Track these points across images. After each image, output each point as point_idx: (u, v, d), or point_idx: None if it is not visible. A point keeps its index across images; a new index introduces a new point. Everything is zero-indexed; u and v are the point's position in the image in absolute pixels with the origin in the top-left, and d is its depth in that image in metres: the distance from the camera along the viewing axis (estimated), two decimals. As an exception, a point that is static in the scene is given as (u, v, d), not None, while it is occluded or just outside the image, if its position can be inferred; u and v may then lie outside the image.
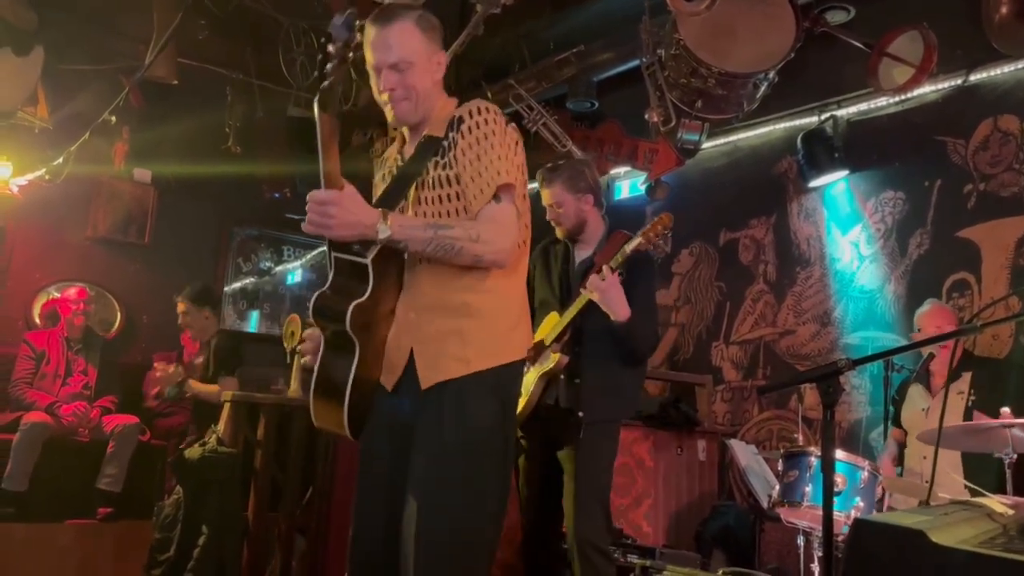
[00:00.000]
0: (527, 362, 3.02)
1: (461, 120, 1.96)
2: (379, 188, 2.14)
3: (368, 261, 1.87)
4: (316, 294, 1.95)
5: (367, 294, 1.88)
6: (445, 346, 1.95)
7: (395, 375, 2.00)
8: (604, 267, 2.88)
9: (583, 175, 3.10)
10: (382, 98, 2.00)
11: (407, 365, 1.98)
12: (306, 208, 1.80)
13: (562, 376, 2.97)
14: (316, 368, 1.99)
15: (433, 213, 1.98)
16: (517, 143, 2.01)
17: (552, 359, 2.95)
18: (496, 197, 1.93)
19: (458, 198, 1.96)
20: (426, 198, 1.99)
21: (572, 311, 2.95)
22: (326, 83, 1.80)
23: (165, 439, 5.17)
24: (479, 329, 1.97)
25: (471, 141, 1.94)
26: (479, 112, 1.97)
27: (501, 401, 1.99)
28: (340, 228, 1.80)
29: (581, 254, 3.14)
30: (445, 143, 1.97)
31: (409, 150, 2.07)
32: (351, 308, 1.86)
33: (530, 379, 2.99)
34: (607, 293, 2.86)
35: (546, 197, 3.09)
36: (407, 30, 1.95)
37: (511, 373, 2.04)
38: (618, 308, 2.87)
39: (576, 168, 3.14)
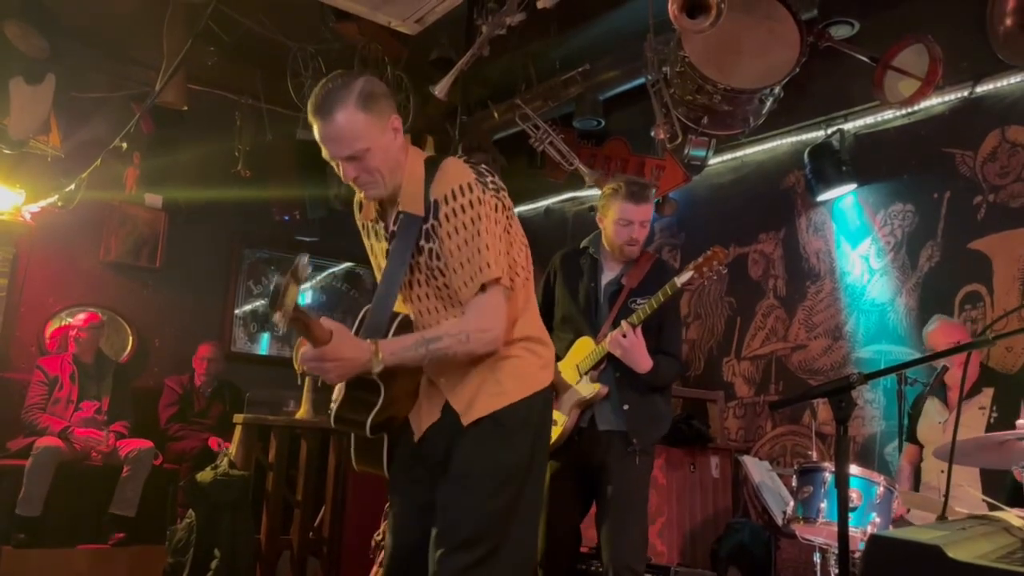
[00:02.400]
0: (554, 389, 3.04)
1: (437, 205, 1.94)
2: (373, 253, 2.19)
3: (375, 376, 1.94)
4: (335, 409, 2.05)
5: (379, 404, 1.97)
6: (480, 387, 2.02)
7: (425, 425, 2.08)
8: (625, 324, 2.87)
9: None
10: (347, 183, 2.01)
11: (440, 419, 2.05)
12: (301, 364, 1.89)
13: (601, 401, 2.96)
14: (354, 439, 2.16)
15: (427, 306, 2.05)
16: (498, 207, 1.97)
17: (591, 389, 2.93)
18: (483, 287, 1.94)
19: (447, 287, 2.00)
20: (419, 294, 2.06)
21: (608, 345, 2.93)
22: (284, 322, 1.73)
23: (177, 463, 5.18)
24: (509, 366, 2.04)
25: (451, 230, 1.93)
26: (454, 196, 1.92)
27: (536, 428, 2.05)
28: (339, 377, 1.89)
29: (608, 275, 3.10)
30: (427, 227, 1.97)
31: (389, 220, 2.08)
32: (369, 423, 1.98)
33: (565, 406, 2.96)
34: (629, 351, 2.86)
35: (638, 214, 2.98)
36: (350, 118, 1.88)
37: (543, 399, 2.09)
38: (639, 363, 2.88)
39: None
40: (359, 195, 2.13)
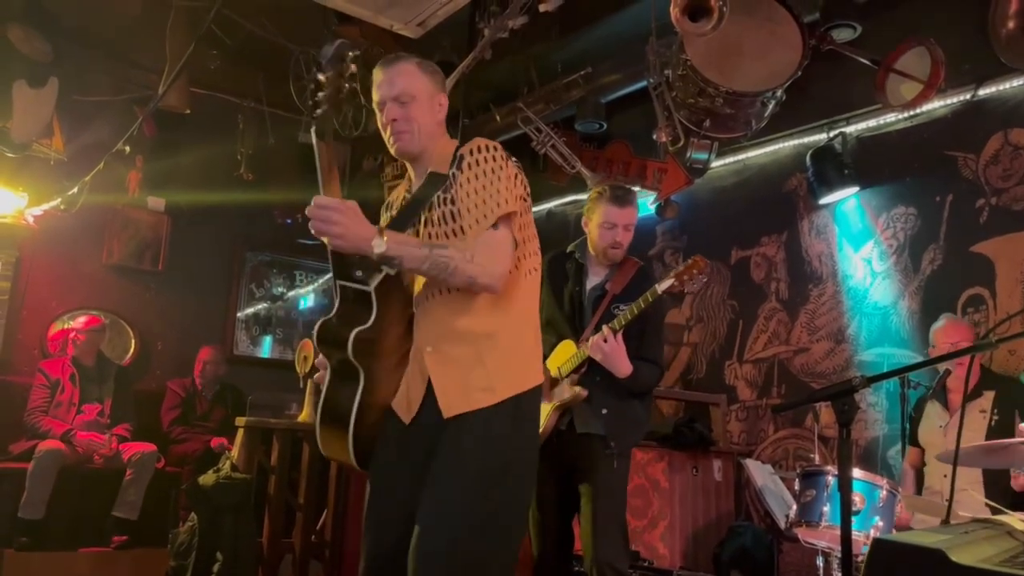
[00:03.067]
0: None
1: (462, 157, 2.03)
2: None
3: (371, 289, 1.91)
4: (320, 321, 1.99)
5: (370, 322, 1.91)
6: (467, 376, 1.97)
7: (413, 408, 2.03)
8: (606, 329, 2.89)
9: None
10: (385, 133, 2.09)
11: (425, 397, 2.00)
12: (307, 212, 1.83)
13: (580, 404, 2.97)
14: (322, 396, 2.01)
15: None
16: (518, 176, 2.05)
17: (571, 392, 2.95)
18: (494, 225, 1.96)
19: (462, 231, 2.00)
20: (431, 233, 2.05)
21: (586, 352, 2.95)
22: (320, 111, 1.88)
23: (179, 466, 5.18)
24: (499, 356, 2.00)
25: (471, 176, 1.99)
26: (480, 150, 2.02)
27: (524, 428, 2.02)
28: (340, 236, 1.83)
29: (592, 279, 3.13)
30: (448, 177, 2.04)
31: (416, 186, 2.13)
32: (352, 335, 1.89)
33: (545, 410, 2.98)
34: (609, 356, 2.88)
35: (622, 217, 3.02)
36: (409, 69, 2.06)
37: (532, 398, 2.06)
38: (619, 368, 2.91)
39: None
40: (385, 193, 2.18)
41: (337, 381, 1.99)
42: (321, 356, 2.09)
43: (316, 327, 1.98)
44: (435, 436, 1.97)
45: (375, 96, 2.08)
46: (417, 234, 2.07)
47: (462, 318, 2.00)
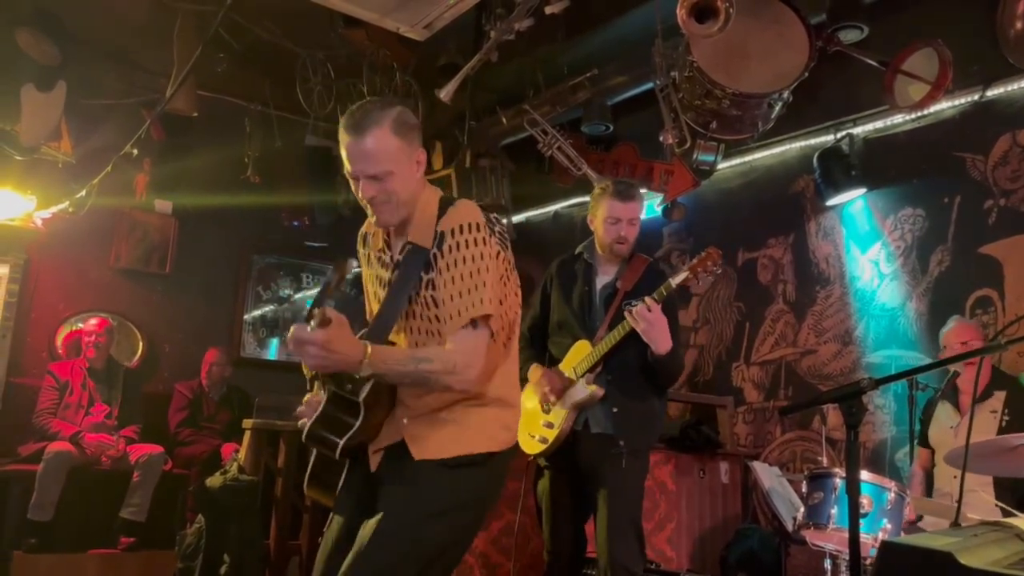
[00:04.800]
0: (544, 403, 3.05)
1: (443, 237, 1.96)
2: (369, 288, 2.20)
3: (360, 401, 1.94)
4: (309, 424, 2.03)
5: (356, 427, 1.96)
6: (441, 430, 1.99)
7: (383, 446, 2.04)
8: (648, 299, 2.85)
9: None
10: (363, 203, 2.02)
11: (396, 447, 2.02)
12: (287, 343, 1.89)
13: (596, 404, 2.96)
14: (313, 457, 2.13)
15: (419, 339, 2.04)
16: (499, 255, 2.01)
17: (587, 391, 2.94)
18: (473, 323, 1.94)
19: (438, 320, 1.99)
20: (413, 326, 2.04)
21: (609, 343, 2.94)
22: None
23: (187, 468, 5.19)
24: (477, 418, 2.02)
25: (452, 261, 1.94)
26: (461, 231, 1.95)
27: (484, 490, 2.04)
28: (323, 368, 1.89)
29: (603, 278, 3.12)
30: (430, 256, 1.98)
31: (395, 251, 2.09)
32: (341, 444, 1.96)
33: (562, 409, 2.98)
34: (653, 326, 2.84)
35: (626, 211, 3.02)
36: (382, 139, 1.92)
37: (503, 459, 2.07)
38: (662, 341, 2.87)
39: None
40: (365, 226, 2.17)
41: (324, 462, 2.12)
42: (309, 396, 2.14)
43: (306, 429, 2.03)
44: (395, 473, 2.00)
45: (346, 164, 1.98)
46: (405, 315, 2.05)
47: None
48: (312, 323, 1.77)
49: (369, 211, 2.03)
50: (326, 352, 1.79)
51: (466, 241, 1.94)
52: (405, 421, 2.01)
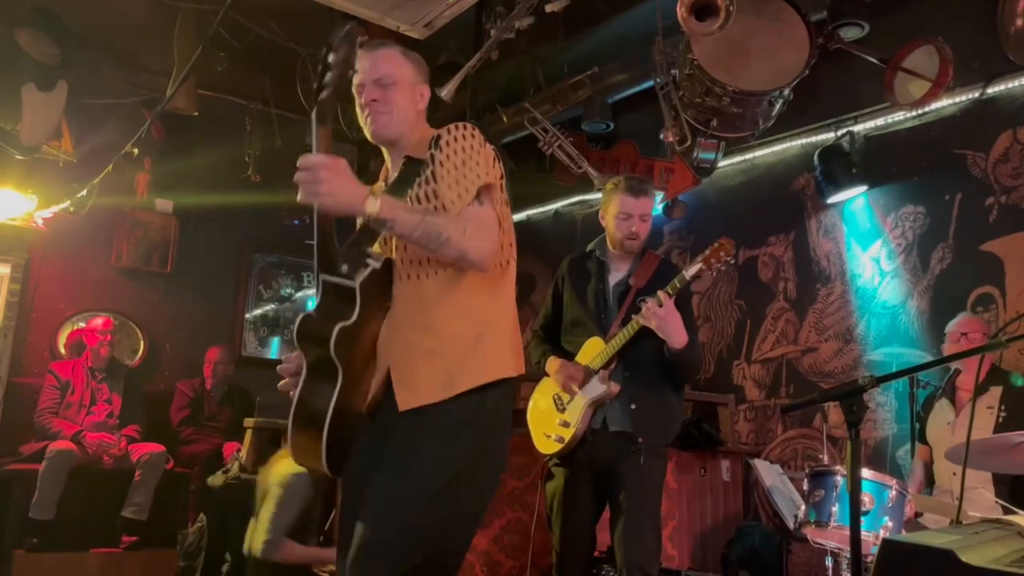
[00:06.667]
0: (564, 388, 3.01)
1: (439, 137, 1.95)
2: None
3: (356, 285, 1.82)
4: (301, 316, 1.89)
5: (353, 318, 1.82)
6: (426, 367, 1.89)
7: (374, 398, 1.95)
8: (660, 293, 2.82)
9: None
10: (362, 115, 2.03)
11: (387, 391, 1.93)
12: (295, 177, 1.74)
13: (610, 402, 2.94)
14: (296, 397, 1.90)
15: (413, 250, 1.96)
16: (496, 160, 2.00)
17: (602, 387, 2.92)
18: (478, 199, 1.90)
19: (444, 208, 1.91)
20: None
21: (622, 339, 2.91)
22: (324, 94, 1.81)
23: (188, 467, 5.20)
24: (465, 348, 1.91)
25: (450, 152, 1.92)
26: (457, 128, 1.96)
27: (484, 427, 1.91)
28: (330, 195, 1.74)
29: (615, 275, 3.10)
30: (425, 159, 1.97)
31: (393, 175, 2.07)
32: (336, 330, 1.79)
33: (577, 407, 2.96)
34: (666, 321, 2.80)
35: (637, 207, 3.00)
36: (393, 55, 2.03)
37: (500, 393, 1.95)
38: (676, 335, 2.83)
39: None
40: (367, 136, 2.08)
41: (313, 382, 1.89)
42: (284, 362, 2.02)
43: (298, 322, 1.88)
44: (393, 430, 1.90)
45: (355, 79, 1.99)
46: None
47: (431, 307, 1.92)
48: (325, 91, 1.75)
49: (366, 123, 2.02)
50: (339, 178, 1.72)
51: (463, 135, 1.95)
52: (390, 352, 1.92)
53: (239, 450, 4.75)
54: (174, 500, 5.04)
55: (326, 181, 1.72)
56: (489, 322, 1.98)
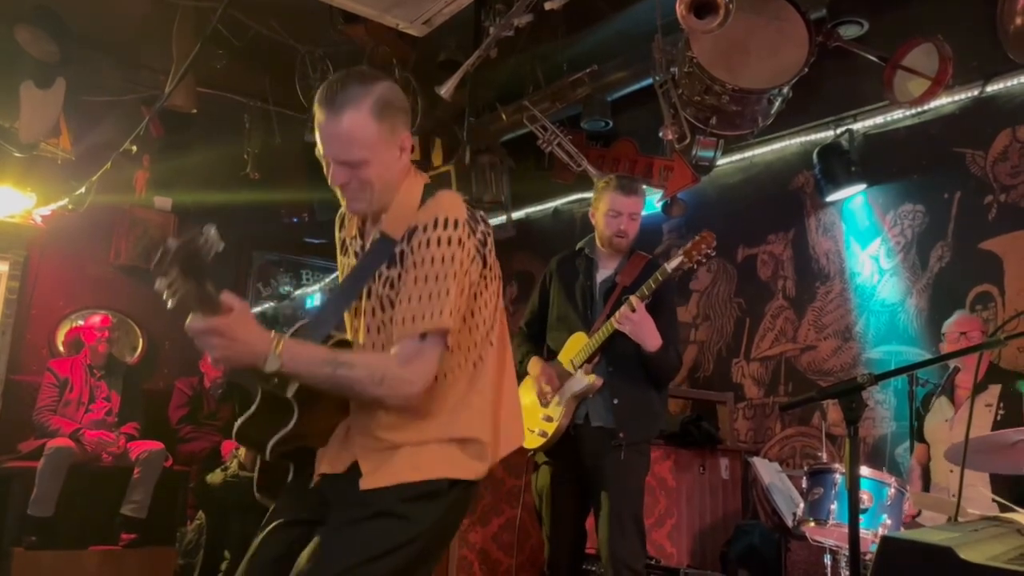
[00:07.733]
0: (545, 396, 3.03)
1: (414, 232, 1.72)
2: (342, 270, 1.98)
3: (290, 396, 1.68)
4: (240, 420, 1.77)
5: (290, 425, 1.69)
6: (386, 456, 1.74)
7: (324, 470, 1.81)
8: (633, 299, 2.87)
9: None
10: (333, 188, 1.79)
11: (344, 474, 1.77)
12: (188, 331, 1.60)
13: (593, 396, 2.97)
14: (240, 421, 1.80)
15: (372, 340, 1.81)
16: (473, 259, 1.75)
17: (586, 380, 2.95)
18: (423, 336, 1.69)
19: (391, 323, 1.75)
20: (368, 324, 1.82)
21: (600, 338, 2.94)
22: (173, 304, 1.62)
23: (187, 464, 5.20)
24: (441, 452, 1.76)
25: (419, 260, 1.70)
26: (435, 227, 1.70)
27: (438, 523, 1.75)
28: (224, 359, 1.59)
29: (603, 272, 3.14)
30: (398, 251, 1.75)
31: (367, 240, 1.87)
32: (271, 444, 1.70)
33: (560, 402, 2.98)
34: (638, 325, 2.86)
35: (627, 205, 3.04)
36: (359, 123, 1.68)
37: (462, 492, 1.79)
38: (649, 340, 2.88)
39: None
40: (343, 209, 1.92)
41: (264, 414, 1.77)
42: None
43: (237, 425, 1.77)
44: (341, 497, 1.76)
45: (318, 144, 1.74)
46: (358, 311, 1.84)
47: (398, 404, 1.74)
48: (161, 284, 1.54)
49: (341, 198, 1.81)
50: (229, 340, 1.56)
51: (439, 239, 1.70)
52: (357, 439, 1.77)
53: (238, 448, 4.74)
54: (173, 498, 5.04)
55: (215, 348, 1.58)
56: (467, 432, 1.79)
